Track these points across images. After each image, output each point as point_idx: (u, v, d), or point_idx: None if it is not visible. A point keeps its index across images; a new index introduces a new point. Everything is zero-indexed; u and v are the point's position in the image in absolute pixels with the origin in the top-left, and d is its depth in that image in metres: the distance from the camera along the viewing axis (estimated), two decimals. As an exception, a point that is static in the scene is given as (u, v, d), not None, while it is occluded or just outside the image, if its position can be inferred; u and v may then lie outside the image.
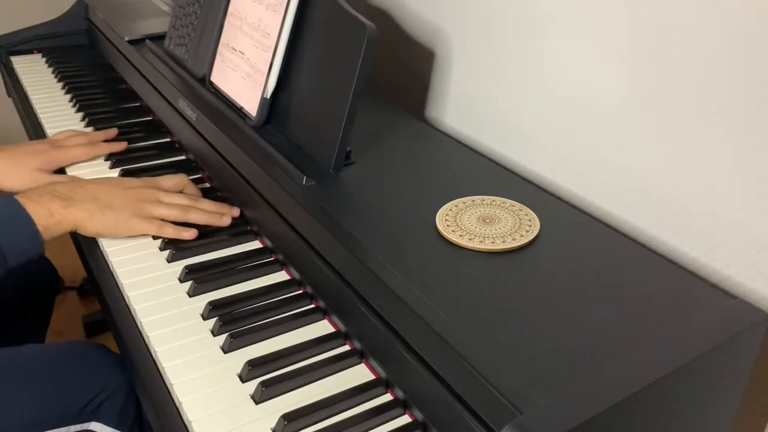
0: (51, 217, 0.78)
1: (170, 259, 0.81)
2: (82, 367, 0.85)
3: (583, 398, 0.50)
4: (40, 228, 0.76)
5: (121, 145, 1.04)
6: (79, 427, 0.82)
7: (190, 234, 0.84)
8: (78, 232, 0.82)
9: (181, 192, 0.89)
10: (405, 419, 0.62)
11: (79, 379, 0.83)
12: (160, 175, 0.93)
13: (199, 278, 0.77)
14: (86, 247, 0.87)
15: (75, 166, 1.01)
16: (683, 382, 0.56)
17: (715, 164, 0.69)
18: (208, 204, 0.88)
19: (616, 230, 0.73)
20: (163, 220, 0.84)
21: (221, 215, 0.86)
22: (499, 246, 0.67)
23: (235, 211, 0.88)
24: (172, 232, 0.84)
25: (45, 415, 0.80)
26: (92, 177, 0.97)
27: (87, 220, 0.81)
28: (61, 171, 0.99)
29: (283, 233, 0.78)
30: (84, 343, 0.91)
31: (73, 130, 1.06)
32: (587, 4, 0.78)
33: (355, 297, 0.66)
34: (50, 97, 1.25)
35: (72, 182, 0.86)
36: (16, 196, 0.78)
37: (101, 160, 1.03)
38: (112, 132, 1.07)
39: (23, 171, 0.94)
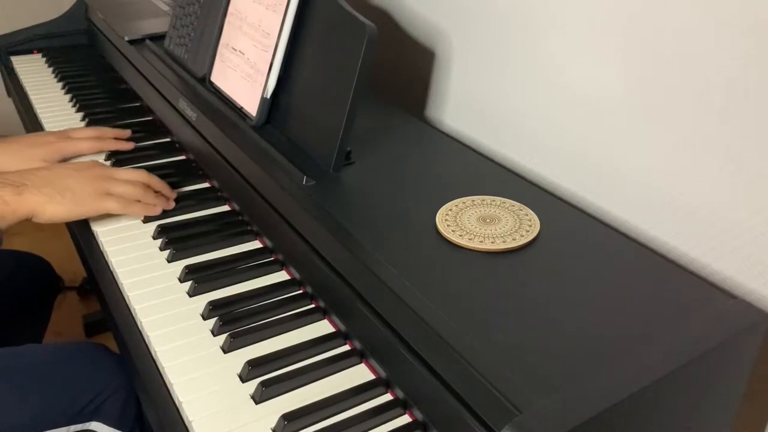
0: (6, 205, 0.76)
1: (170, 259, 0.81)
2: (83, 366, 0.85)
3: (583, 398, 0.50)
4: None
5: (129, 145, 1.03)
6: (79, 426, 0.82)
7: (158, 209, 0.83)
8: (35, 220, 0.79)
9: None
10: (405, 419, 0.62)
11: (79, 378, 0.83)
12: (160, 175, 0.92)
13: (199, 278, 0.77)
14: (86, 246, 0.87)
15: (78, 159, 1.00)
16: (683, 382, 0.56)
17: (716, 164, 0.69)
18: (161, 186, 0.88)
19: (616, 230, 0.73)
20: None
21: (167, 200, 0.87)
22: (499, 246, 0.67)
23: (171, 204, 0.88)
24: (139, 209, 0.82)
25: (45, 414, 0.80)
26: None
27: (45, 204, 0.78)
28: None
29: (283, 233, 0.78)
30: (84, 343, 0.91)
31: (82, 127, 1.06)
32: (587, 4, 0.78)
33: (355, 297, 0.66)
34: (50, 97, 1.25)
35: (22, 170, 0.83)
36: None
37: (101, 159, 1.02)
38: (125, 133, 1.06)
39: (29, 163, 0.93)
